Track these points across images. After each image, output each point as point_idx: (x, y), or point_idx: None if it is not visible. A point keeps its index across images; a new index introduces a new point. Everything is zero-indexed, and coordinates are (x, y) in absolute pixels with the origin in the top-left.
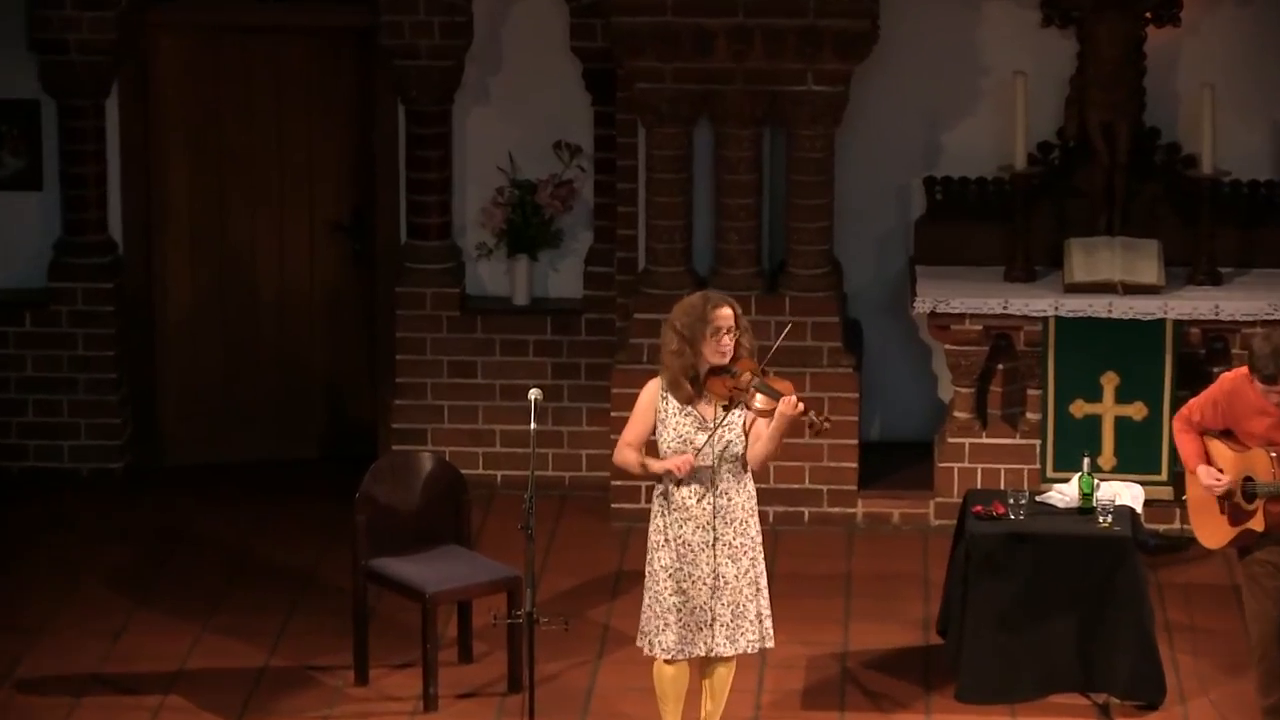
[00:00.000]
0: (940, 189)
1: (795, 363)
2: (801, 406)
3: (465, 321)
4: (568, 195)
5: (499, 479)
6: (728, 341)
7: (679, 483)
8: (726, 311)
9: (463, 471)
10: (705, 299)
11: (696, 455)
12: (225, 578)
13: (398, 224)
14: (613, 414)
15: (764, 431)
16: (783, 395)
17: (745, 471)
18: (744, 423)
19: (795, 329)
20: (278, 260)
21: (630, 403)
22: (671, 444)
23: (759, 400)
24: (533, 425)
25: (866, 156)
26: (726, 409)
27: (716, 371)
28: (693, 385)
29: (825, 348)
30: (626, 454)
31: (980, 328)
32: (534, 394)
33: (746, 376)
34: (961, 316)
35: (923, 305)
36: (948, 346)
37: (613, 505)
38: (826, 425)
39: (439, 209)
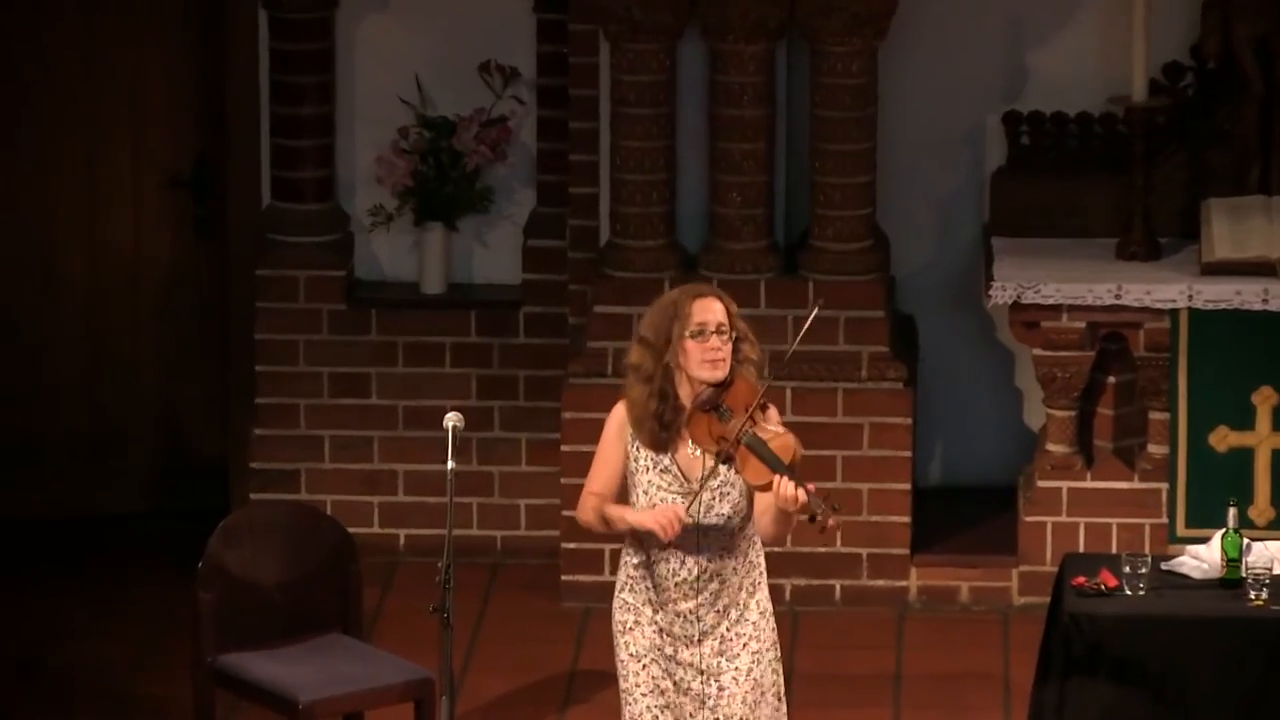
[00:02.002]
0: (1027, 130)
1: (823, 375)
2: (801, 496)
3: (354, 318)
4: (500, 138)
5: (402, 540)
6: (717, 344)
7: (663, 545)
8: (713, 303)
9: (351, 530)
10: (684, 288)
11: (687, 508)
12: (11, 681)
13: (258, 180)
14: (564, 448)
15: (767, 502)
16: (781, 466)
17: (745, 539)
18: (744, 485)
19: (826, 328)
20: (87, 232)
21: (588, 432)
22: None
23: (752, 468)
24: (450, 464)
25: (924, 84)
26: (719, 460)
27: (705, 406)
28: (663, 425)
29: (865, 353)
30: (588, 504)
31: (1083, 325)
32: (452, 420)
33: (737, 422)
34: (1057, 309)
35: (1002, 294)
36: (1037, 352)
37: (564, 578)
38: (834, 524)
39: (317, 158)
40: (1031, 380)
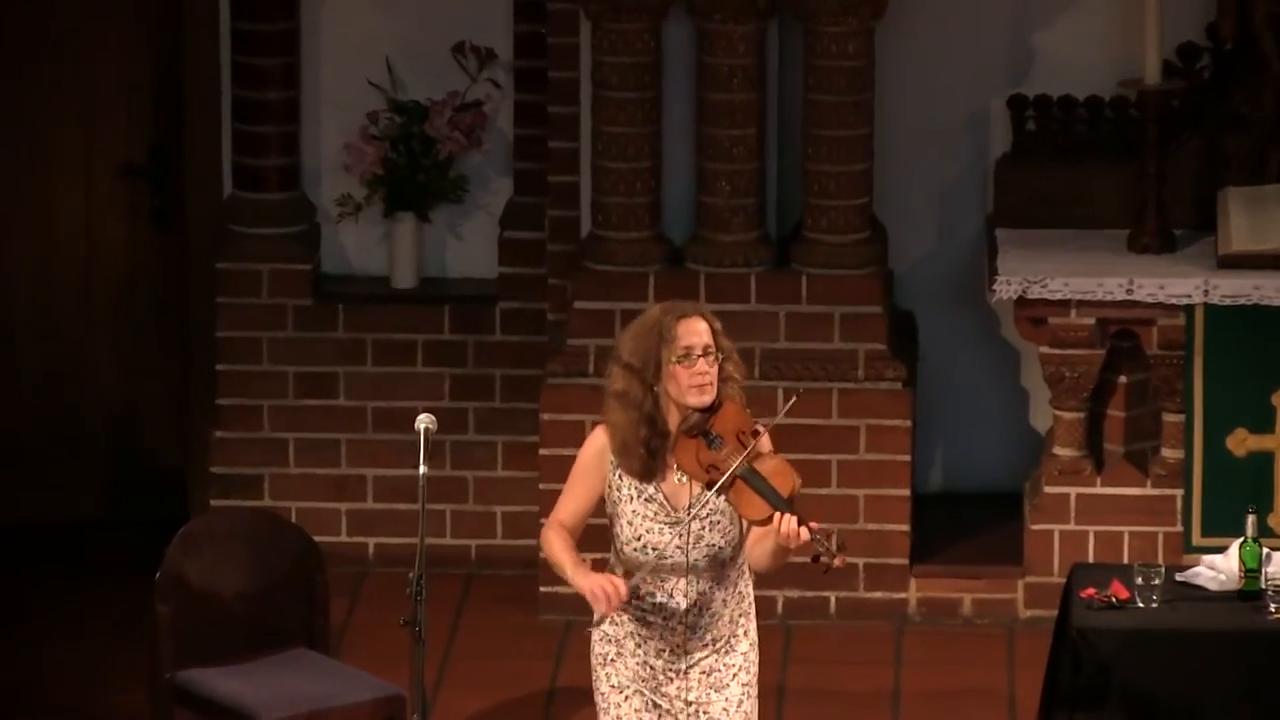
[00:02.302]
0: (1033, 115)
1: (818, 375)
2: (804, 535)
3: (321, 314)
4: (475, 124)
5: (371, 549)
6: (705, 368)
7: (599, 620)
8: (699, 324)
9: (318, 539)
10: (667, 307)
11: (632, 580)
12: None
13: (219, 168)
14: (542, 451)
15: (760, 531)
16: (780, 500)
17: (735, 569)
18: (734, 512)
19: (820, 324)
20: (37, 225)
21: (568, 435)
22: (629, 543)
23: (748, 502)
24: (422, 469)
25: (924, 66)
26: (709, 488)
27: (692, 431)
28: (650, 453)
29: (861, 352)
30: (549, 539)
31: (1092, 322)
32: (424, 422)
33: (730, 450)
34: (1064, 305)
35: (1007, 288)
36: (1044, 350)
37: (542, 589)
38: (838, 564)
39: (280, 145)
40: (1038, 380)
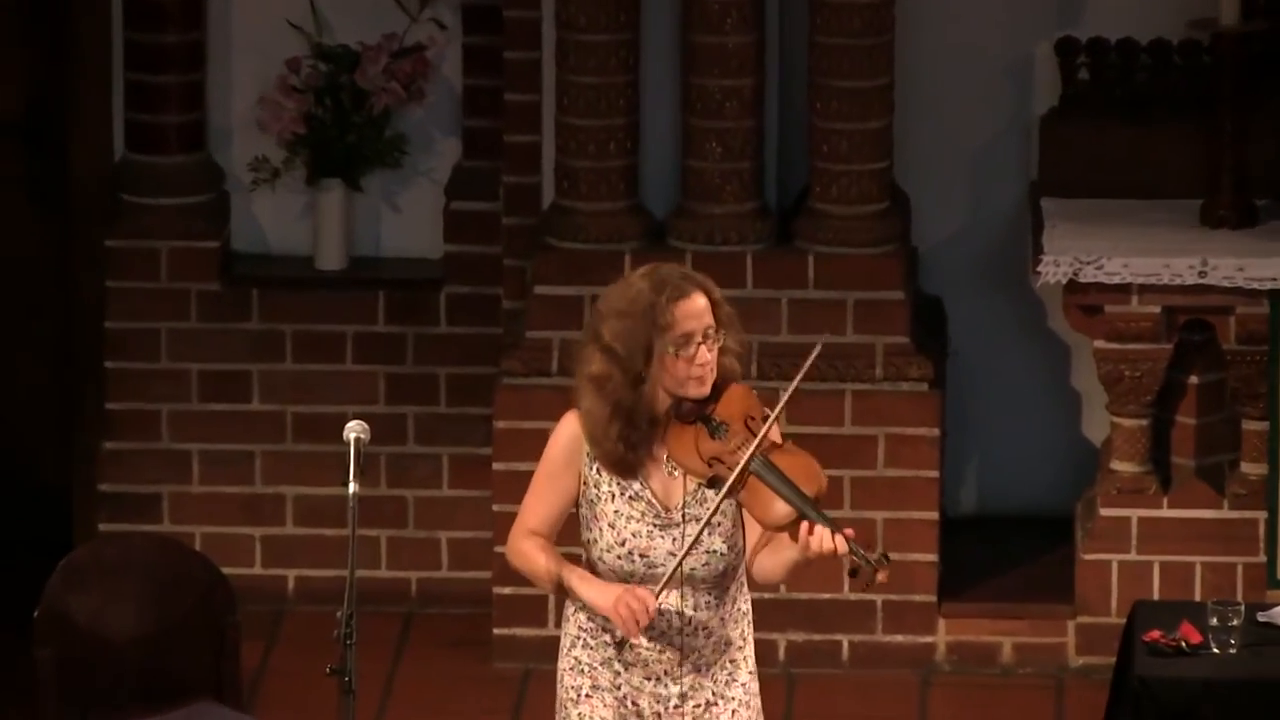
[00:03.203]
0: (1087, 61)
1: (829, 376)
2: (840, 545)
3: (231, 300)
4: (416, 73)
5: (291, 583)
6: (705, 355)
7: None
8: (698, 302)
9: (227, 571)
10: (657, 281)
11: (660, 593)
12: None
13: (109, 126)
14: (496, 466)
15: (773, 536)
16: (805, 501)
17: (735, 583)
18: (737, 512)
19: (830, 313)
20: None
21: (528, 446)
22: (610, 550)
23: (764, 504)
24: (352, 487)
25: (955, 3)
26: (710, 486)
27: (688, 417)
28: (629, 446)
29: (880, 345)
30: (525, 550)
31: (1157, 310)
32: (354, 431)
33: (738, 441)
34: (1124, 290)
35: (1055, 270)
36: (1099, 344)
37: (496, 631)
38: (882, 579)
39: (183, 100)
40: (1092, 380)
